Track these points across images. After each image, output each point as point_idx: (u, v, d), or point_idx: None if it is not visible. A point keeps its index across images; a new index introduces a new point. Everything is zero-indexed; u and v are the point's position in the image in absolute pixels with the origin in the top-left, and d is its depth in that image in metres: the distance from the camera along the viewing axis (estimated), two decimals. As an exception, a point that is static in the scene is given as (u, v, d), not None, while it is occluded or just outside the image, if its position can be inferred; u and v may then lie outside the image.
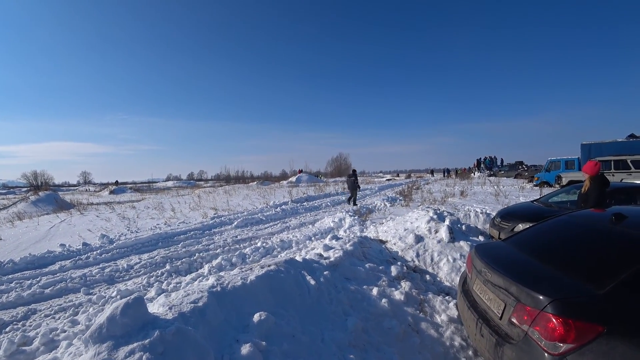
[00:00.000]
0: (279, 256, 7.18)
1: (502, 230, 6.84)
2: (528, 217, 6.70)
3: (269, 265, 3.63)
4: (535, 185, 20.32)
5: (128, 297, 2.16)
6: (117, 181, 64.39)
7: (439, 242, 6.31)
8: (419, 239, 6.50)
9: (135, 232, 9.46)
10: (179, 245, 8.22)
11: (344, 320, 3.75)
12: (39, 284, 5.96)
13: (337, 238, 6.36)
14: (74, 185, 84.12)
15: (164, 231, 9.43)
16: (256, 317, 2.81)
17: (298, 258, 4.36)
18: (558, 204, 7.79)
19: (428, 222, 6.92)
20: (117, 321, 2.03)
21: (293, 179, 41.71)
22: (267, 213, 11.91)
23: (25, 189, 57.97)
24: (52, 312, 5.05)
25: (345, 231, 9.12)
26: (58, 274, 6.50)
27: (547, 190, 15.38)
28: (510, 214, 7.25)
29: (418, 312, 4.37)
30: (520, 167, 35.65)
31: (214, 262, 6.73)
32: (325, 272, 4.27)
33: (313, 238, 8.63)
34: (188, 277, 6.16)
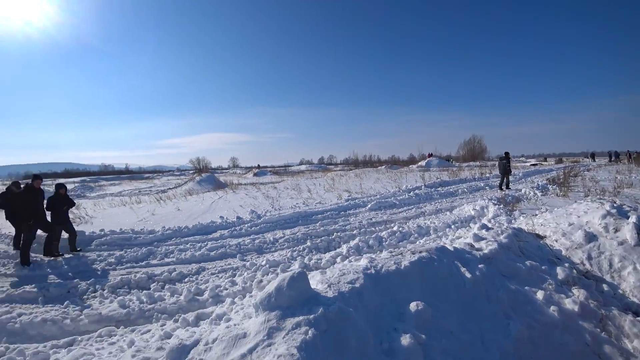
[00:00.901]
0: (417, 242, 6.84)
1: None
2: None
3: (420, 252, 3.37)
4: None
5: (293, 271, 2.20)
6: (259, 165, 72.40)
7: (620, 244, 5.03)
8: (590, 237, 5.32)
9: (279, 210, 10.31)
10: (317, 224, 8.60)
11: (506, 323, 3.26)
12: (206, 247, 6.98)
13: (487, 228, 5.68)
14: (225, 169, 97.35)
15: (303, 210, 10.03)
16: (412, 306, 2.60)
17: (448, 246, 3.97)
18: None
19: (603, 217, 5.60)
20: (284, 293, 2.08)
21: (423, 162, 39.98)
22: (400, 197, 11.57)
23: (192, 171, 70.39)
24: (216, 271, 5.87)
25: (489, 221, 8.16)
26: (219, 241, 7.52)
27: None
28: None
29: (599, 330, 3.55)
30: None
31: (352, 243, 6.80)
32: (479, 265, 3.80)
33: (452, 226, 7.98)
34: (327, 255, 6.37)
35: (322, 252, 6.75)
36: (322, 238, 7.41)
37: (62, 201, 7.01)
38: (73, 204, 7.39)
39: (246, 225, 8.65)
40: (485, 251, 4.31)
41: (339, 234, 7.73)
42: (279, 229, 8.43)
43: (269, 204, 11.50)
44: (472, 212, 9.09)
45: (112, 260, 6.55)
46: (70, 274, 5.97)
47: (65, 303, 4.93)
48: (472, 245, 4.54)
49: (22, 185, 7.16)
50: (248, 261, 6.25)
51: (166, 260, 6.53)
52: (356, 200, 11.25)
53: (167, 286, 5.18)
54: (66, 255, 6.72)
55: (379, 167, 39.21)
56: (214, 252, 6.79)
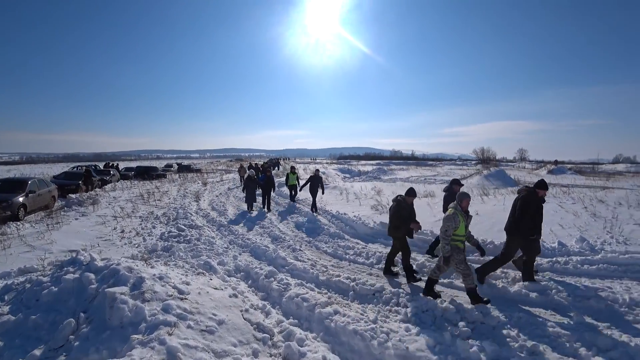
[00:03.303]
0: None
1: None
2: None
3: None
4: None
5: None
6: (556, 160, 60.36)
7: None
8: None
9: (624, 243, 7.16)
10: None
11: None
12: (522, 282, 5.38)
13: None
14: (511, 161, 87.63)
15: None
16: None
17: None
18: None
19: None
20: None
21: None
22: None
23: (474, 162, 67.49)
24: (545, 333, 4.16)
25: None
26: (539, 274, 5.73)
27: None
28: None
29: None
30: None
31: None
32: None
33: None
34: None
35: None
36: None
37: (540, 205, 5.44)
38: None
39: (574, 258, 6.31)
40: None
41: None
42: (633, 279, 5.65)
43: (601, 227, 8.31)
44: None
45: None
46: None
47: (370, 307, 4.78)
48: None
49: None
50: (605, 331, 4.14)
51: (457, 282, 5.43)
52: None
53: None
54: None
55: None
56: (533, 293, 5.09)
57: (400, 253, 5.92)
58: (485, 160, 64.05)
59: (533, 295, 5.00)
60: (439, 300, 4.67)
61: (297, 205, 13.01)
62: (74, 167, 26.50)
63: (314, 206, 11.82)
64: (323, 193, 12.41)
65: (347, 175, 39.98)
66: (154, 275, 4.00)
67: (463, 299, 4.92)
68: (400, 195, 5.93)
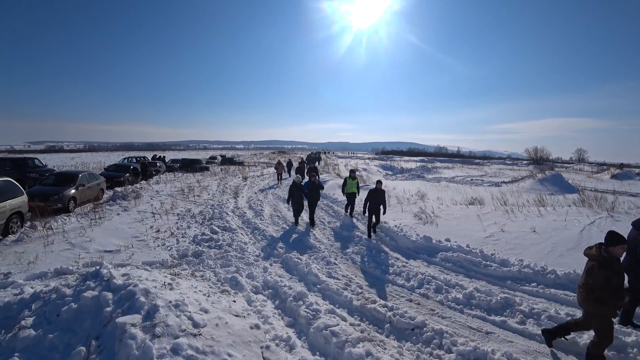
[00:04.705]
0: None
1: None
2: None
3: None
4: None
5: None
6: (622, 164, 55.01)
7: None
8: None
9: None
10: None
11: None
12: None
13: None
14: (567, 162, 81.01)
15: None
16: None
17: None
18: None
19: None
20: None
21: None
22: None
23: (526, 162, 63.17)
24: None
25: None
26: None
27: None
28: None
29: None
30: None
31: None
32: None
33: None
34: None
35: None
36: None
37: None
38: None
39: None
40: None
41: None
42: None
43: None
44: None
45: (458, 296, 5.43)
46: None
47: (407, 346, 4.22)
48: None
49: None
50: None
51: (527, 327, 4.64)
52: None
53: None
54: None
55: None
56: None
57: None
58: (538, 160, 59.62)
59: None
60: (490, 349, 3.98)
61: (356, 222, 10.53)
62: (124, 159, 27.76)
63: (370, 228, 9.16)
64: (385, 212, 9.46)
65: (389, 172, 38.90)
66: (170, 302, 3.69)
67: (516, 347, 4.20)
68: (602, 246, 3.59)
